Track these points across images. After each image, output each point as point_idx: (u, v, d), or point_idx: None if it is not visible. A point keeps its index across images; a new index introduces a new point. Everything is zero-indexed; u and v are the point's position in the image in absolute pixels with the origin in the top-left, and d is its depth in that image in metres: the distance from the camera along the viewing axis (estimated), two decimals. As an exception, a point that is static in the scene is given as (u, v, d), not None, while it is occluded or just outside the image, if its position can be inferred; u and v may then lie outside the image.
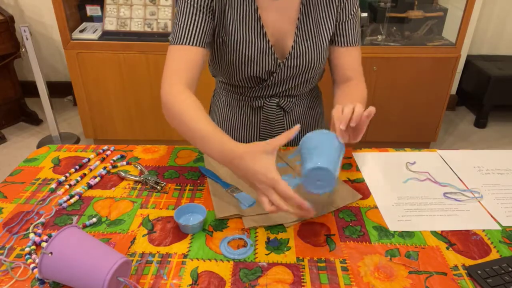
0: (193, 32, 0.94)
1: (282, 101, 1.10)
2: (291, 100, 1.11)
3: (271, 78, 1.04)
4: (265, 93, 1.08)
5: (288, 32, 1.01)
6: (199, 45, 0.95)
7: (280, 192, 0.73)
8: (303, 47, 1.01)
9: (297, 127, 0.78)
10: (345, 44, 1.06)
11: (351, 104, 0.82)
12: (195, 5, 0.94)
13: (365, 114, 0.80)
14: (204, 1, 0.94)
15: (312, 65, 1.04)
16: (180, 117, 0.86)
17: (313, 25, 1.01)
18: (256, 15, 0.98)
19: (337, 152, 0.80)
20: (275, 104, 1.10)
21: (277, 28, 1.00)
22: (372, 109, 0.81)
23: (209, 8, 0.96)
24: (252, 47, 0.99)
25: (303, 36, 1.01)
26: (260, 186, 0.75)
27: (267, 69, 1.02)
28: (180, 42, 0.94)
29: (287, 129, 1.13)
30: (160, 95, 0.91)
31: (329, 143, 0.80)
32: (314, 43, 1.02)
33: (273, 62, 1.01)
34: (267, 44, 0.99)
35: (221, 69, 1.06)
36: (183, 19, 0.94)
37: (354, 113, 0.80)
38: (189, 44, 0.94)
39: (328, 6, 1.01)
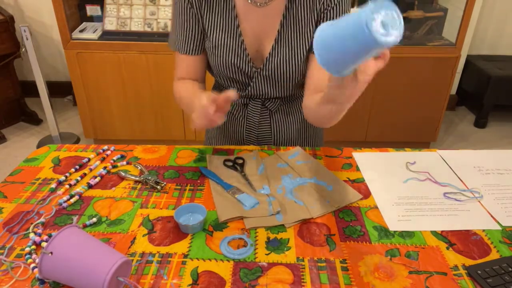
0: (187, 42, 1.03)
1: (268, 102, 1.10)
2: (277, 101, 1.11)
3: (252, 82, 1.04)
4: (250, 94, 1.09)
5: (267, 41, 1.00)
6: (193, 54, 1.04)
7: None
8: (280, 57, 0.99)
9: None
10: None
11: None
12: (183, 16, 1.01)
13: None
14: (188, 10, 0.99)
15: (289, 76, 1.02)
16: (178, 98, 1.07)
17: (293, 36, 0.99)
18: (235, 22, 0.98)
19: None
20: (260, 104, 1.10)
21: (256, 36, 1.00)
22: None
23: (194, 15, 1.00)
24: (230, 53, 1.00)
25: (281, 46, 0.99)
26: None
27: (245, 74, 1.03)
28: (179, 51, 1.05)
29: (273, 129, 1.14)
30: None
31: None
32: (292, 54, 0.99)
33: (249, 69, 1.02)
34: (244, 52, 1.00)
35: (209, 67, 1.10)
36: (177, 29, 1.03)
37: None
38: (185, 53, 1.04)
39: (311, 18, 0.97)
